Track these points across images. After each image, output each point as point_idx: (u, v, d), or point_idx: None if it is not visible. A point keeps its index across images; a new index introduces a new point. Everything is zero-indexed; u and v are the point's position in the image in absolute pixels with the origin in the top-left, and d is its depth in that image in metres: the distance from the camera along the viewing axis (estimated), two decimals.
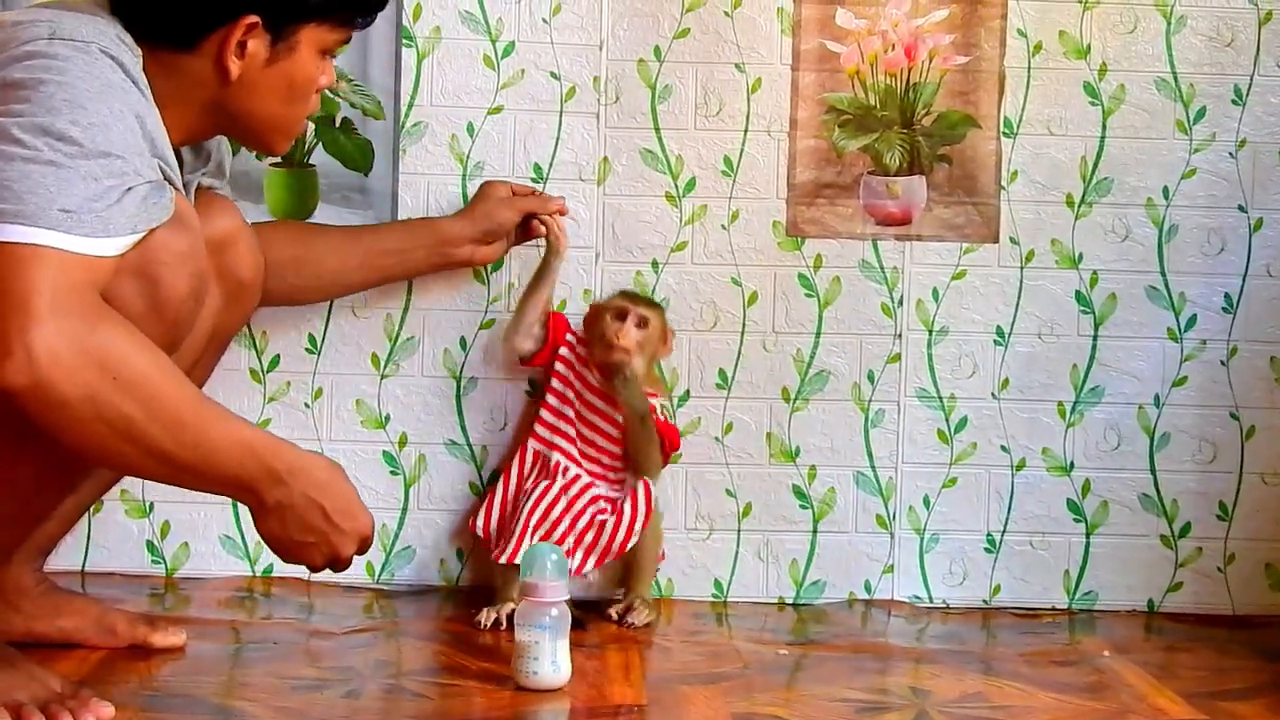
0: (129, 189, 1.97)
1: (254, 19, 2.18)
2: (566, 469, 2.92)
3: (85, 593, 2.77)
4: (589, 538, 2.89)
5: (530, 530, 2.85)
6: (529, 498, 2.88)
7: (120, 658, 2.49)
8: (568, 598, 2.42)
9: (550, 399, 2.97)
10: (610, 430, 2.95)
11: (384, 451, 3.11)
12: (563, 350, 2.97)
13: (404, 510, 3.11)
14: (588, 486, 2.93)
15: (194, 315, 2.15)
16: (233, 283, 2.45)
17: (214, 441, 2.00)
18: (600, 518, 2.90)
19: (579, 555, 2.88)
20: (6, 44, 2.03)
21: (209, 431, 2.00)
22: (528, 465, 2.95)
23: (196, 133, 2.31)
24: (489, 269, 3.09)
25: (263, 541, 2.12)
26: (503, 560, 2.85)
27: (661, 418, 2.94)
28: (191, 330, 2.18)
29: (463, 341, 3.10)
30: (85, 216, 1.92)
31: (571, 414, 2.95)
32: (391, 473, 3.10)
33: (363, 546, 2.16)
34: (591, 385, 2.95)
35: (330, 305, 3.06)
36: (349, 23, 2.32)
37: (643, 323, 2.91)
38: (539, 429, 2.97)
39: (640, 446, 2.92)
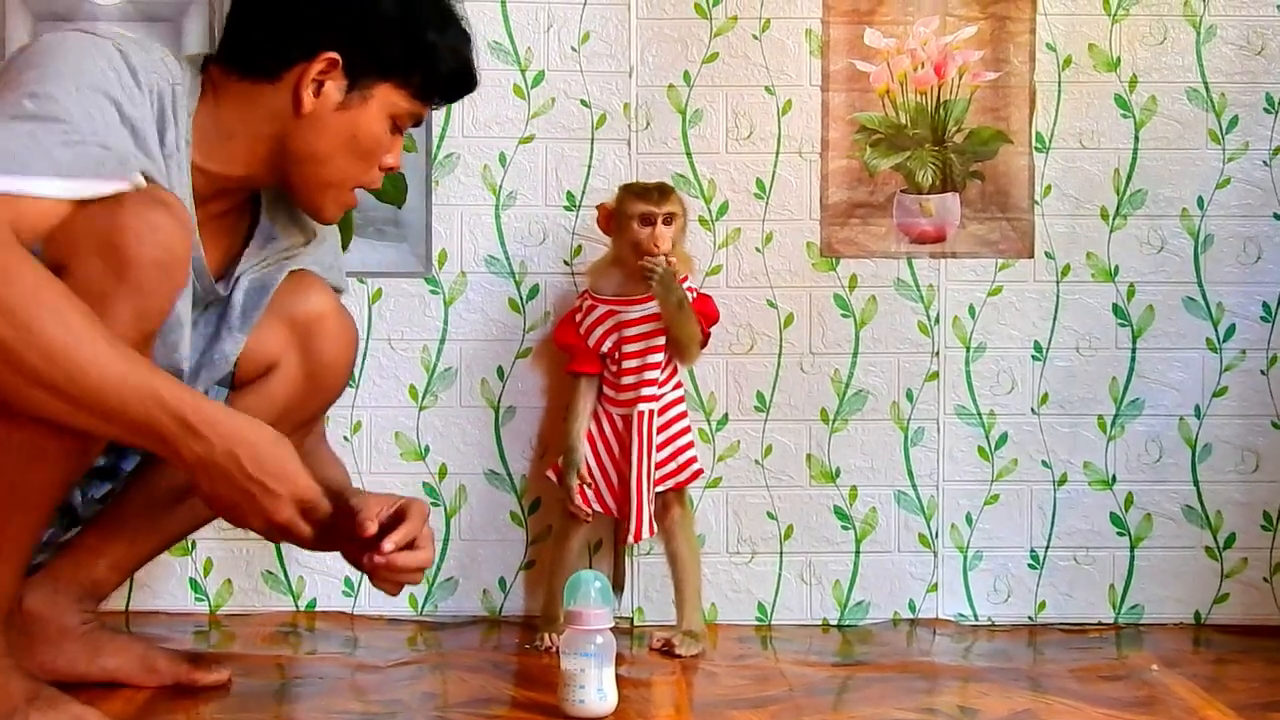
0: (71, 143, 2.00)
1: (334, 56, 2.27)
2: (652, 411, 2.91)
3: (129, 631, 2.77)
4: (685, 456, 2.94)
5: (644, 499, 2.88)
6: (631, 467, 2.89)
7: (166, 696, 2.49)
8: (612, 624, 2.42)
9: (612, 369, 2.93)
10: (658, 339, 2.90)
11: (424, 483, 3.11)
12: (595, 335, 2.93)
13: (446, 541, 3.11)
14: (667, 408, 2.94)
15: (163, 288, 2.10)
16: (314, 363, 2.50)
17: (106, 380, 1.95)
18: (680, 425, 2.95)
19: (687, 472, 2.94)
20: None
21: (101, 368, 1.95)
22: (610, 433, 2.94)
23: (257, 170, 2.34)
24: (524, 298, 3.09)
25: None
26: (642, 540, 2.92)
27: (692, 294, 2.92)
28: (165, 307, 2.12)
29: (500, 371, 3.11)
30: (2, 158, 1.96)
31: (635, 364, 2.91)
32: (432, 504, 3.10)
33: (306, 512, 2.12)
34: (627, 321, 2.91)
35: (367, 339, 3.07)
36: (424, 95, 2.39)
37: (670, 219, 2.87)
38: (616, 395, 2.93)
39: (680, 332, 2.89)
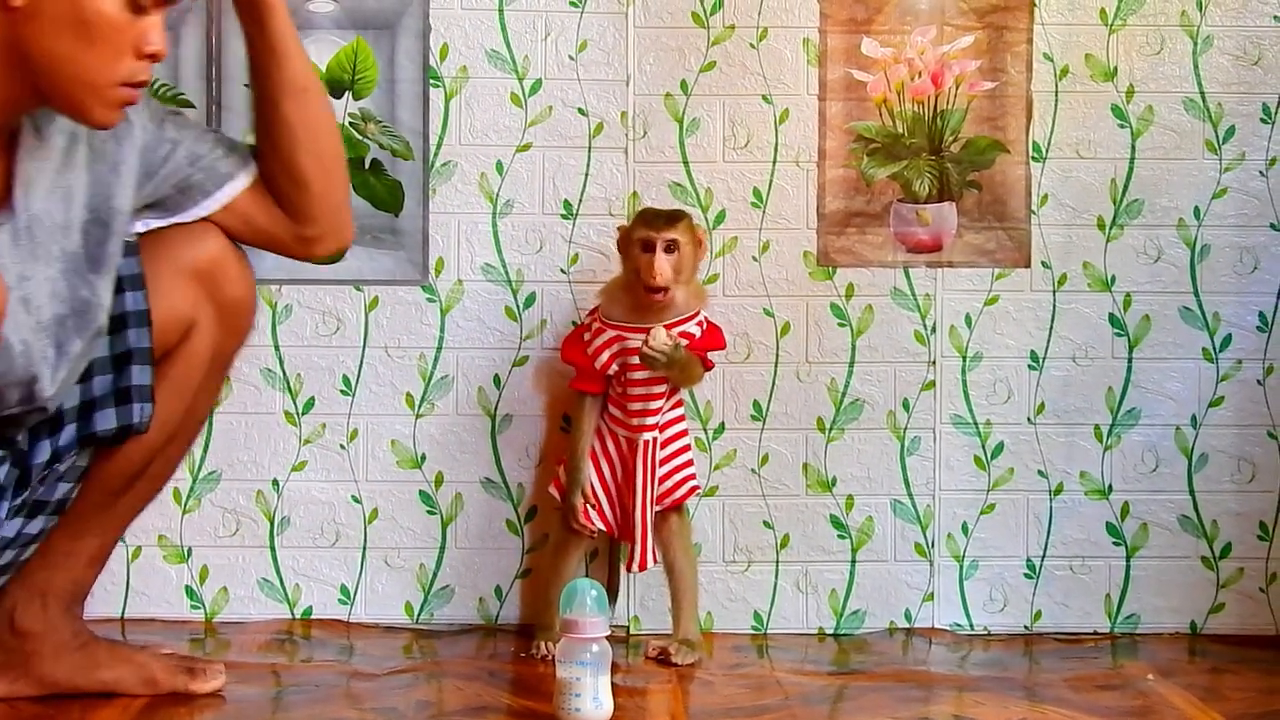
0: None
1: None
2: (655, 439, 2.90)
3: (125, 641, 2.76)
4: (682, 474, 2.93)
5: (647, 528, 2.88)
6: (635, 496, 2.88)
7: (162, 704, 2.49)
8: (608, 633, 2.42)
9: (617, 390, 2.91)
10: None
11: (420, 491, 3.11)
12: (601, 358, 2.91)
13: (441, 549, 3.11)
14: (667, 426, 2.92)
15: None
16: (224, 310, 2.43)
17: None
18: (680, 444, 2.94)
19: (683, 489, 2.93)
20: None
21: None
22: (614, 453, 2.93)
23: (8, 91, 2.12)
24: (521, 307, 3.09)
25: None
26: (646, 569, 2.91)
27: (702, 328, 2.91)
28: None
29: (496, 379, 3.10)
30: None
31: (640, 392, 2.89)
32: (428, 512, 3.10)
33: None
34: (632, 348, 2.87)
35: (364, 346, 3.07)
36: None
37: (672, 246, 2.84)
38: (622, 417, 2.91)
39: (683, 380, 2.90)
